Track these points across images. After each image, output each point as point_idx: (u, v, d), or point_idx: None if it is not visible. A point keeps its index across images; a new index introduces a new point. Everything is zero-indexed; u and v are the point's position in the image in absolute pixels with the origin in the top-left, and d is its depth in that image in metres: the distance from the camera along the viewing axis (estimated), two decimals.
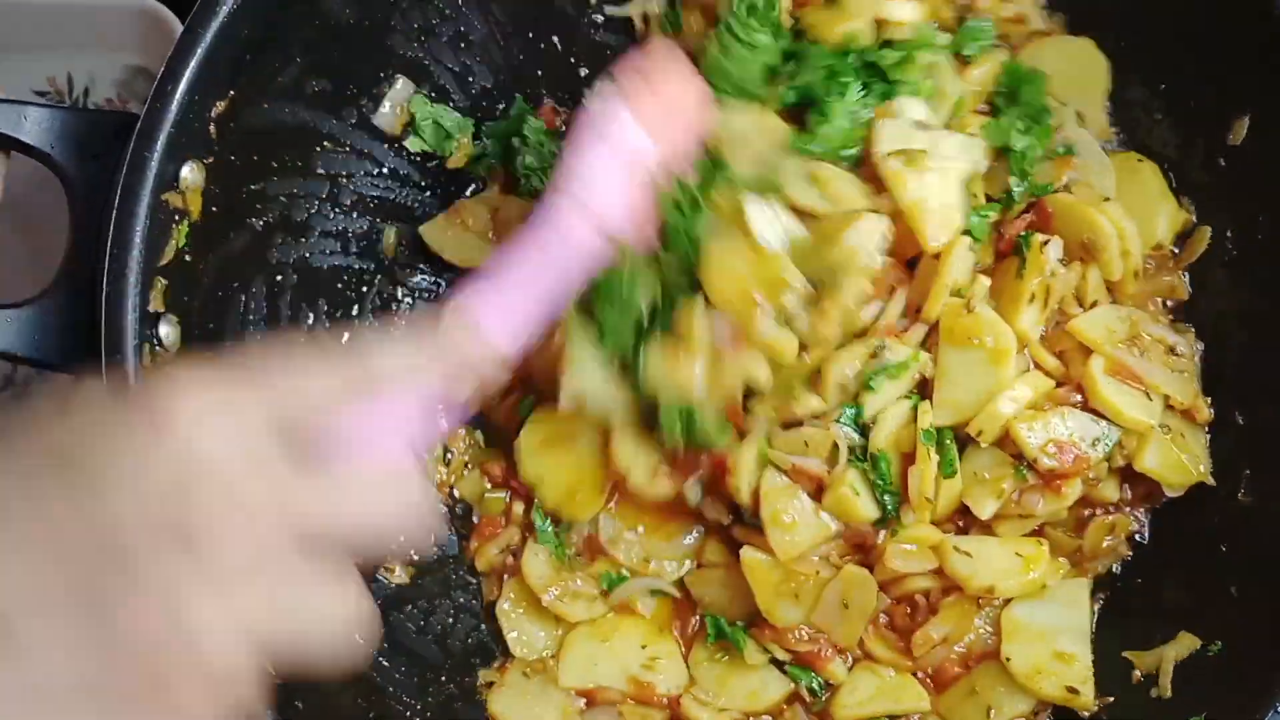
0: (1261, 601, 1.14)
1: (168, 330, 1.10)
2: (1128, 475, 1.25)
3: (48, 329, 1.10)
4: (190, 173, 1.10)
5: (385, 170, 1.37)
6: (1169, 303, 1.29)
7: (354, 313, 1.37)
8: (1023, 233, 1.22)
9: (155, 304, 1.08)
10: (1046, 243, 1.21)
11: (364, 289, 1.38)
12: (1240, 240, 1.23)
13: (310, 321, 1.31)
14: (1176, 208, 1.28)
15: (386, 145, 1.36)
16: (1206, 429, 1.25)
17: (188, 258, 1.12)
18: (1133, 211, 1.25)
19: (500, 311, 0.96)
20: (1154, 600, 1.25)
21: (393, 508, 0.78)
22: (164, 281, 1.09)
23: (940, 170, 1.19)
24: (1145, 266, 1.27)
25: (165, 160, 1.07)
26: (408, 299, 1.42)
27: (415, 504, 0.79)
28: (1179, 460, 1.22)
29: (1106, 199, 1.26)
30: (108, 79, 1.55)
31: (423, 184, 1.41)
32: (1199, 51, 1.22)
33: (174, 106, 1.07)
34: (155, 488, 0.67)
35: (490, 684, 1.31)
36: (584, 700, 1.30)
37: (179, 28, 1.43)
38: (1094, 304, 1.24)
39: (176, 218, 1.10)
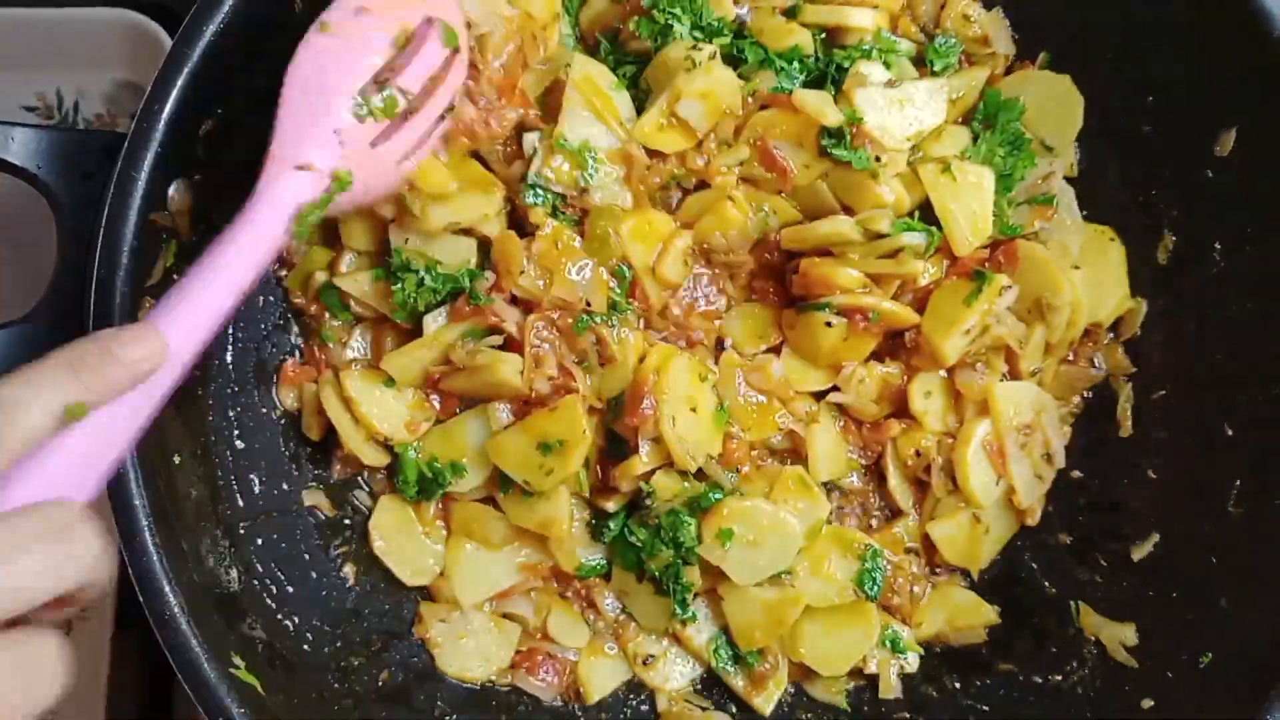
0: (1251, 615, 1.15)
1: None
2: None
3: (36, 350, 1.07)
4: (178, 192, 1.11)
5: None
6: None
7: None
8: (983, 268, 1.24)
9: None
10: (1008, 288, 1.24)
11: None
12: (1228, 251, 1.23)
13: (295, 336, 1.31)
14: (1128, 295, 1.31)
15: None
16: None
17: (176, 277, 1.11)
18: (1089, 286, 1.30)
19: (178, 309, 0.92)
20: (1143, 610, 1.25)
21: (48, 567, 0.74)
22: (151, 301, 1.09)
23: (975, 181, 1.24)
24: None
25: (152, 180, 1.07)
26: None
27: (78, 558, 0.76)
28: (965, 547, 1.32)
29: (1076, 266, 1.30)
30: (97, 94, 1.56)
31: None
32: (1187, 66, 1.23)
33: (161, 126, 1.07)
34: None
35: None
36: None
37: (167, 42, 1.43)
38: (1019, 374, 1.30)
39: (164, 237, 1.10)
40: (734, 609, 1.28)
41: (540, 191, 1.21)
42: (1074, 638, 1.28)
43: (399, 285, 1.22)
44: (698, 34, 1.24)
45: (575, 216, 1.24)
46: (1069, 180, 1.33)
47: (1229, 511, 1.19)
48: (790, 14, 1.28)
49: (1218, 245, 1.25)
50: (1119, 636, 1.25)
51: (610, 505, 1.28)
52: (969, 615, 1.34)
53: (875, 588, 1.27)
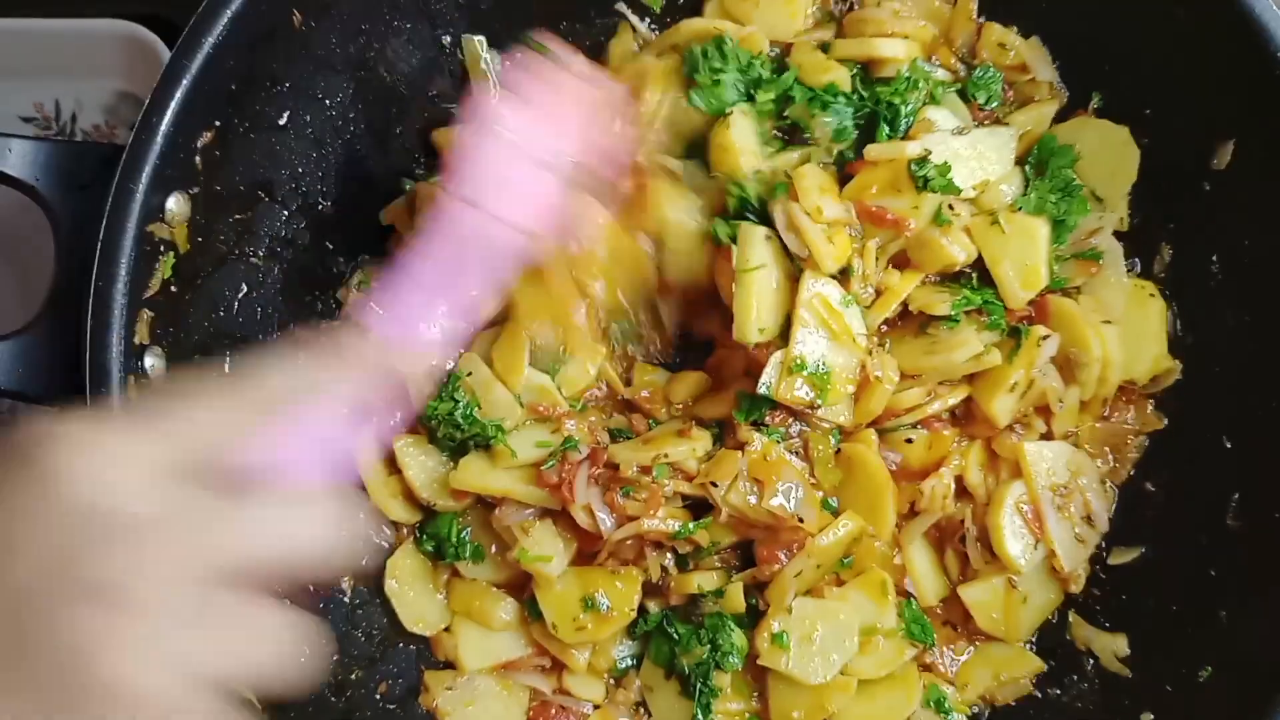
0: (1251, 627, 1.14)
1: (153, 362, 1.09)
2: None
3: (32, 362, 1.10)
4: (176, 204, 1.10)
5: None
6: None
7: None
8: (1020, 324, 1.22)
9: (141, 336, 1.08)
10: (1046, 338, 1.21)
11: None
12: (1226, 264, 1.23)
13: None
14: (1165, 353, 1.26)
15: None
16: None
17: (174, 289, 1.12)
18: (1125, 342, 1.26)
19: (398, 315, 0.95)
20: (1141, 623, 1.25)
21: (310, 532, 0.76)
22: (150, 314, 1.08)
23: (1027, 232, 1.21)
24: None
25: (150, 192, 1.07)
26: None
27: (334, 525, 0.77)
28: (1001, 614, 1.26)
29: (1107, 321, 1.25)
30: (95, 105, 1.55)
31: None
32: (1184, 79, 1.22)
33: (159, 139, 1.07)
34: (57, 550, 0.67)
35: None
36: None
37: (166, 53, 1.44)
38: (1052, 434, 1.26)
39: (162, 249, 1.10)
40: (780, 698, 1.23)
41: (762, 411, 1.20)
42: (1071, 651, 1.28)
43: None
44: (741, 82, 1.24)
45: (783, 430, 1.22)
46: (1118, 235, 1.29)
47: (1227, 524, 1.19)
48: (823, 50, 1.27)
49: (1214, 259, 1.24)
50: (1111, 648, 1.24)
51: (653, 606, 1.26)
52: (1013, 667, 1.29)
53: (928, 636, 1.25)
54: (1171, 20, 1.18)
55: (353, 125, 1.30)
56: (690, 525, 1.19)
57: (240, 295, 1.22)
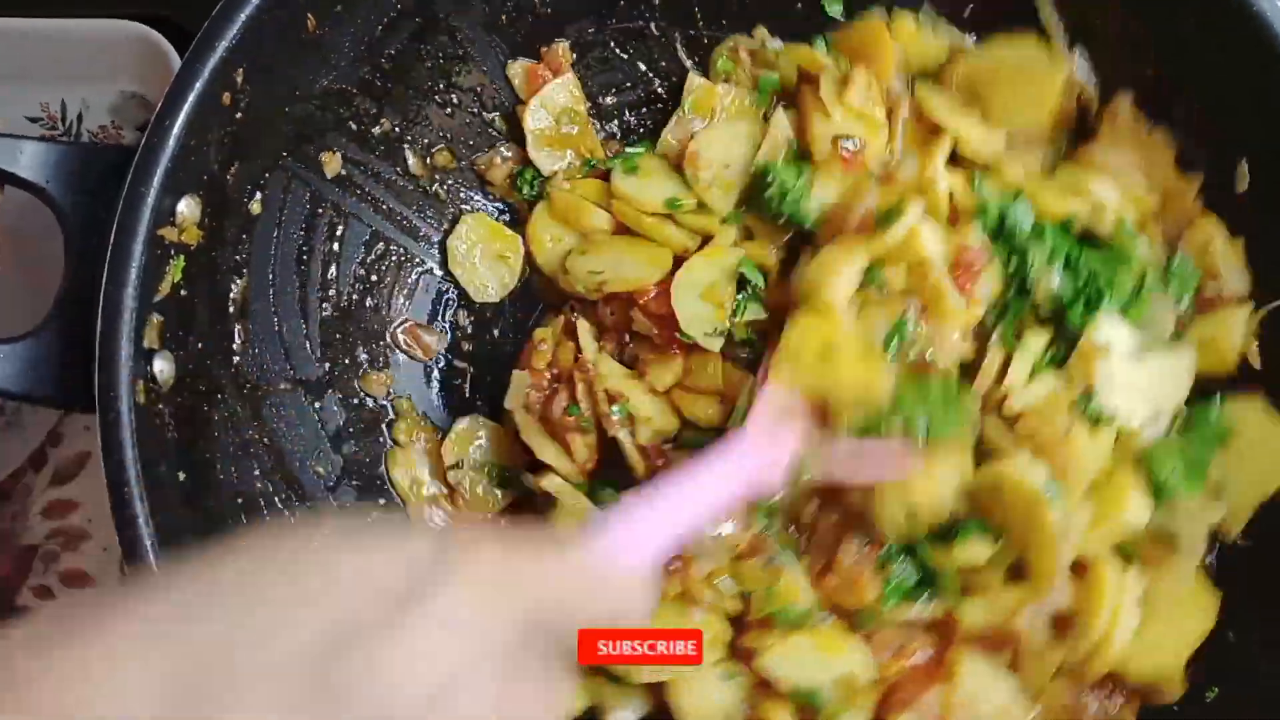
0: (1259, 648, 1.13)
1: (163, 366, 1.09)
2: None
3: (41, 366, 1.09)
4: (187, 207, 1.10)
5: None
6: None
7: (350, 351, 1.36)
8: None
9: (150, 341, 1.07)
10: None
11: (361, 324, 1.36)
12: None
13: (305, 350, 1.31)
14: (1182, 667, 1.13)
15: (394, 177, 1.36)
16: None
17: (183, 292, 1.11)
18: (1145, 637, 1.12)
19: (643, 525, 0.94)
20: None
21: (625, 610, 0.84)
22: (159, 318, 1.08)
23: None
24: None
25: (161, 195, 1.06)
26: (404, 347, 1.40)
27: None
28: None
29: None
30: (102, 106, 1.55)
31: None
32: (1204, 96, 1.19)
33: (170, 142, 1.06)
34: (413, 692, 0.66)
35: None
36: None
37: (173, 54, 1.44)
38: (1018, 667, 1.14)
39: (173, 253, 1.09)
40: None
41: None
42: None
43: None
44: None
45: None
46: None
47: (1235, 542, 1.19)
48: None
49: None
50: None
51: None
52: None
53: None
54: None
55: None
56: None
57: None
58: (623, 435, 1.24)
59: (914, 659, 1.14)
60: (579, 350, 1.28)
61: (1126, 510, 1.09)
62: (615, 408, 1.23)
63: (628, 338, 1.29)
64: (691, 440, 1.23)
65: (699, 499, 1.01)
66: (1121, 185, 1.18)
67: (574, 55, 1.38)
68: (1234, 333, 1.14)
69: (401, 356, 1.39)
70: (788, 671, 1.14)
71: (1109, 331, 1.10)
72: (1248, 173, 1.15)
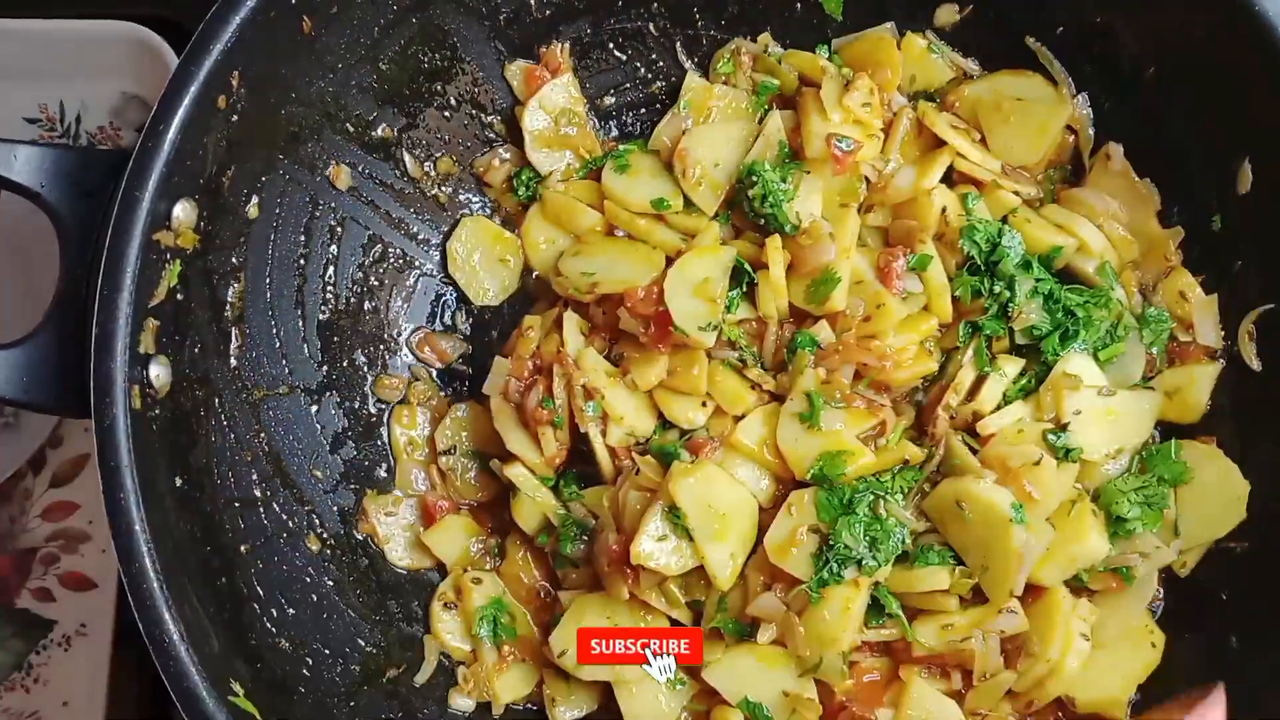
0: (1262, 653, 1.13)
1: (158, 371, 1.09)
2: None
3: (36, 371, 1.09)
4: (183, 211, 1.09)
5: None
6: None
7: (348, 354, 1.35)
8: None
9: (146, 345, 1.07)
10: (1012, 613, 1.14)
11: (359, 328, 1.36)
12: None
13: (303, 354, 1.30)
14: (1125, 700, 1.17)
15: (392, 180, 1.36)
16: None
17: (180, 297, 1.11)
18: (1098, 667, 1.16)
19: None
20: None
21: None
22: (155, 322, 1.07)
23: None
24: None
25: (157, 199, 1.06)
26: (406, 358, 1.40)
27: None
28: None
29: (1087, 637, 1.15)
30: (100, 106, 1.54)
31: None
32: (1204, 100, 1.19)
33: (165, 146, 1.06)
34: None
35: None
36: None
37: (171, 55, 1.43)
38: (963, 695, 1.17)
39: (169, 257, 1.09)
40: None
41: None
42: None
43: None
44: None
45: None
46: None
47: (1237, 549, 1.18)
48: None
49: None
50: None
51: None
52: None
53: None
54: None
55: None
56: None
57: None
58: (593, 432, 1.24)
59: (864, 678, 1.17)
60: (564, 343, 1.28)
61: (1087, 540, 1.13)
62: (590, 404, 1.23)
63: (616, 336, 1.30)
64: (659, 447, 1.24)
65: None
66: (1106, 229, 1.22)
67: (573, 56, 1.38)
68: (1201, 387, 1.19)
69: (400, 358, 1.39)
70: (731, 684, 1.16)
71: (1080, 365, 1.16)
72: (1249, 173, 1.16)
